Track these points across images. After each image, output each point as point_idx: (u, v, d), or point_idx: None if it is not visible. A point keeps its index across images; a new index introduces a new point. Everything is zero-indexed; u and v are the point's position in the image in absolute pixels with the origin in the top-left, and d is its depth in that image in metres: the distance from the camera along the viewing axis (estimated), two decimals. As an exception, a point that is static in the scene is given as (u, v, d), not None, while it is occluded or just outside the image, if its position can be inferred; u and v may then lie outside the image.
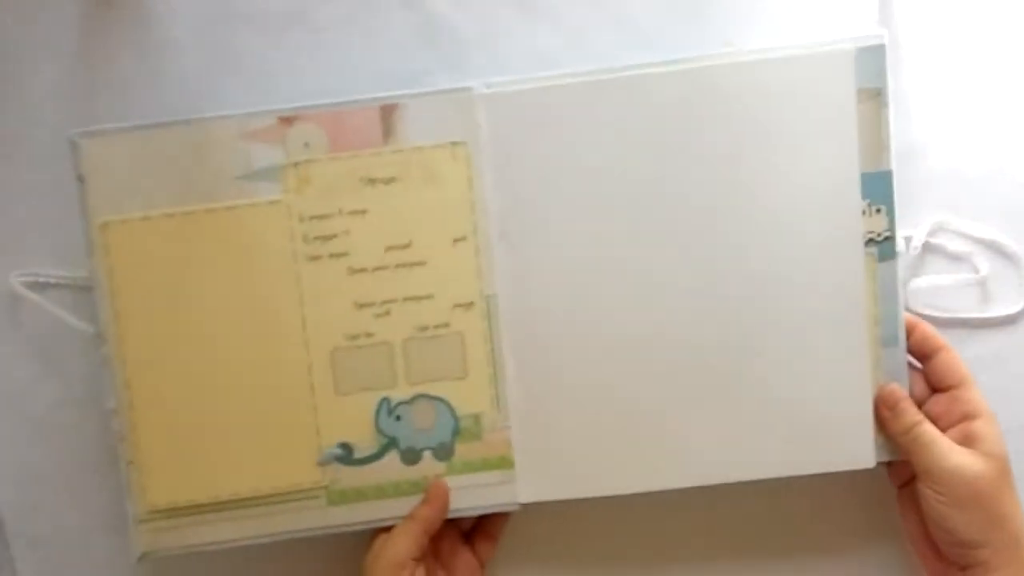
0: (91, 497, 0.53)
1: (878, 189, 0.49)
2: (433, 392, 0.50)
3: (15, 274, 0.52)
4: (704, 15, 0.52)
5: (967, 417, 0.48)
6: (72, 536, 0.54)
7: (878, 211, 0.49)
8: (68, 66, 0.53)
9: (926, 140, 0.52)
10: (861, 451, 0.50)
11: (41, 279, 0.53)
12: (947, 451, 0.47)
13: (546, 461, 0.50)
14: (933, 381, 0.50)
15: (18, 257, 0.53)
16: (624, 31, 0.52)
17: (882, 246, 0.49)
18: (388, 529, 0.50)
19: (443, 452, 0.50)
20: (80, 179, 0.49)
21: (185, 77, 0.53)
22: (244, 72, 0.53)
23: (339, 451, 0.50)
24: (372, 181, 0.49)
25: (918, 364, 0.51)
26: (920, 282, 0.52)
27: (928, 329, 0.50)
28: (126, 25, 0.53)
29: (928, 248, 0.53)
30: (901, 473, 0.51)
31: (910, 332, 0.50)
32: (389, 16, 0.53)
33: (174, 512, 0.50)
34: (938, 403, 0.49)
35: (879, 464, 0.50)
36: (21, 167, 0.53)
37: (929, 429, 0.48)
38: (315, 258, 0.49)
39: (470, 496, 0.50)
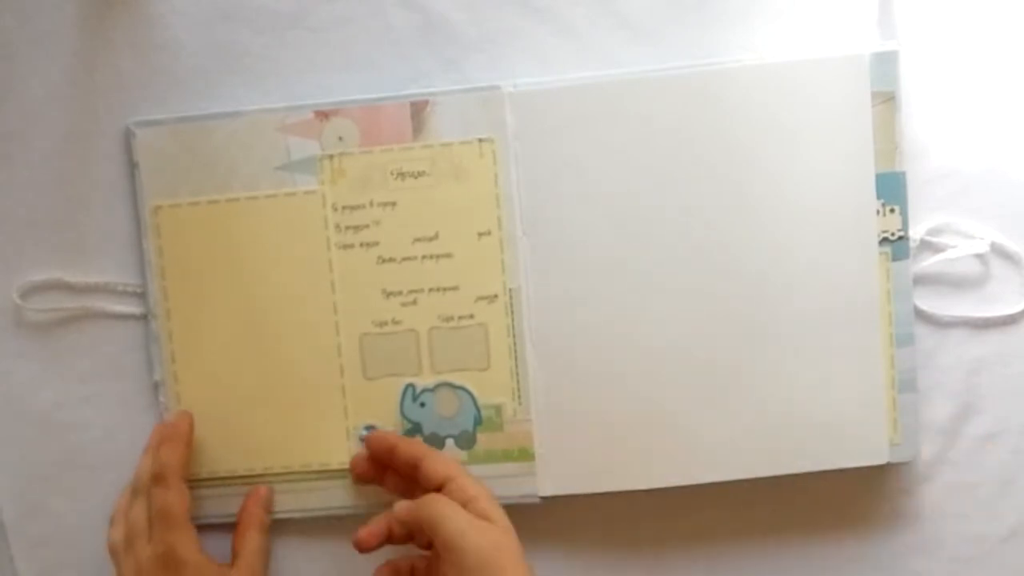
0: (91, 497, 0.57)
1: (892, 189, 0.54)
2: (456, 381, 0.55)
3: (15, 274, 0.57)
4: (702, 16, 0.55)
5: (468, 502, 0.50)
6: (72, 536, 0.57)
7: (892, 211, 0.54)
8: (68, 66, 0.56)
9: (927, 141, 0.55)
10: (874, 447, 0.54)
11: (41, 279, 0.57)
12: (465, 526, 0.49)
13: (566, 455, 0.55)
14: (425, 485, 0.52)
15: (18, 257, 0.57)
16: (625, 32, 0.55)
17: (896, 245, 0.54)
18: None
19: (465, 440, 0.55)
20: (134, 165, 0.56)
21: (185, 77, 0.56)
22: (244, 72, 0.56)
23: (366, 432, 0.55)
24: (402, 175, 0.55)
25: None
26: (921, 282, 0.55)
27: (401, 441, 0.54)
28: (126, 25, 0.56)
29: (929, 247, 0.56)
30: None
31: (391, 451, 0.54)
32: (389, 16, 0.55)
33: (214, 481, 0.56)
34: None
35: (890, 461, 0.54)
36: (21, 167, 0.56)
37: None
38: (347, 246, 0.55)
39: (492, 486, 0.54)
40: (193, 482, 0.56)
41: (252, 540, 0.55)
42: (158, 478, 0.53)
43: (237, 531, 0.55)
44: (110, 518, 0.55)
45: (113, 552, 0.54)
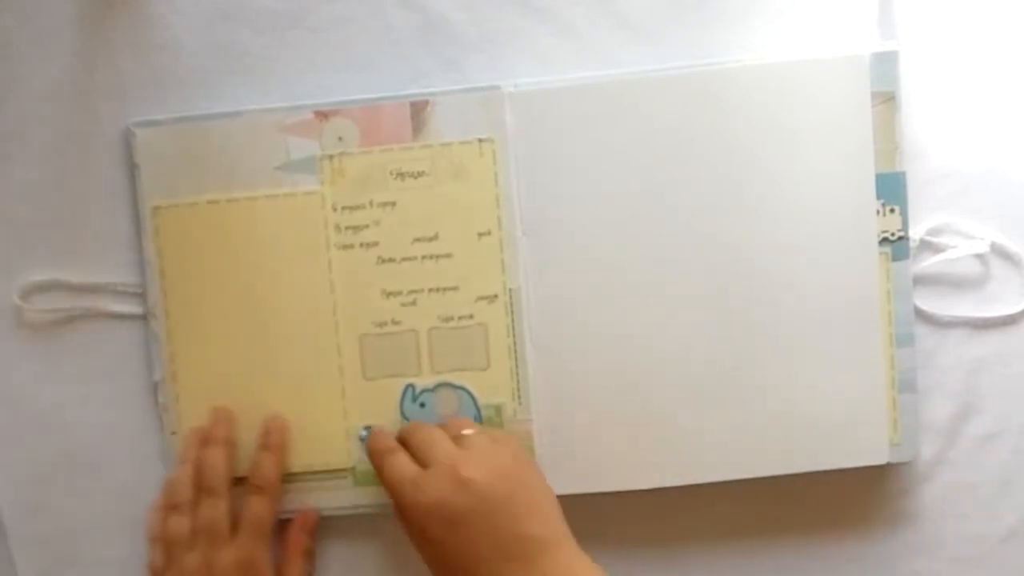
0: (91, 497, 0.57)
1: (892, 189, 0.54)
2: (456, 381, 0.56)
3: (15, 275, 0.57)
4: (702, 16, 0.56)
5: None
6: (72, 536, 0.57)
7: (892, 211, 0.54)
8: (68, 66, 0.56)
9: (927, 141, 0.55)
10: (874, 447, 0.54)
11: (41, 279, 0.57)
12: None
13: (567, 455, 0.55)
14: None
15: (18, 257, 0.57)
16: (625, 32, 0.56)
17: (896, 245, 0.54)
18: None
19: (465, 441, 0.57)
20: (135, 166, 0.56)
21: (185, 77, 0.56)
22: (244, 72, 0.56)
23: (366, 434, 0.56)
24: (402, 175, 0.55)
25: None
26: (921, 282, 0.56)
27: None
28: (126, 25, 0.56)
29: (929, 247, 0.56)
30: None
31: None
32: (389, 16, 0.56)
33: (212, 481, 0.56)
34: None
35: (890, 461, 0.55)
36: (21, 167, 0.57)
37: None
38: (347, 247, 0.55)
39: (493, 486, 0.56)
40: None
41: (297, 567, 0.55)
42: (258, 487, 0.54)
43: (284, 556, 0.55)
44: (148, 540, 0.55)
45: (153, 572, 0.54)
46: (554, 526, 0.50)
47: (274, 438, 0.55)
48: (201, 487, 0.54)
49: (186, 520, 0.53)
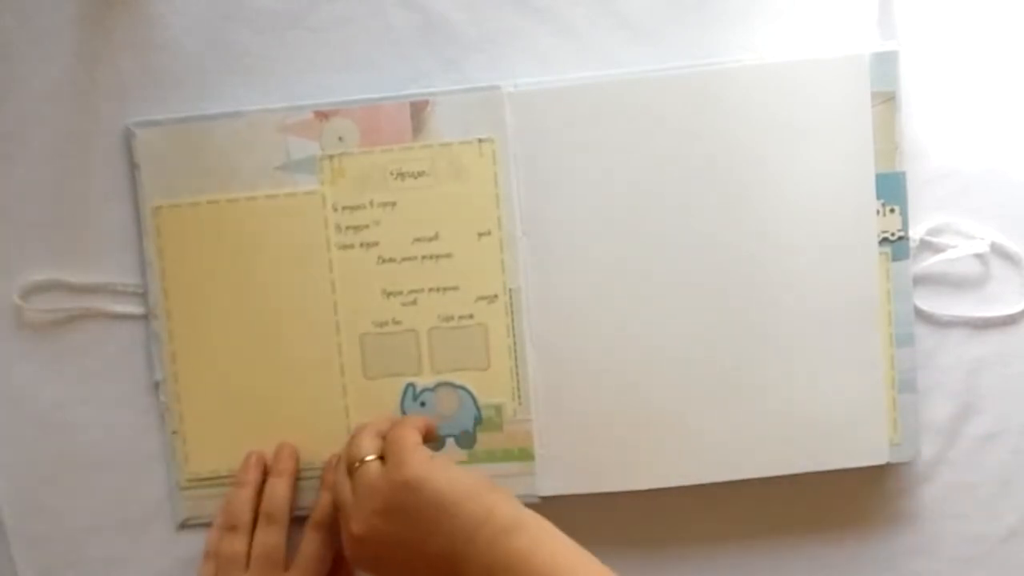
0: (91, 497, 0.58)
1: (892, 189, 0.54)
2: (456, 381, 0.56)
3: (15, 274, 0.57)
4: (702, 16, 0.56)
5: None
6: (72, 536, 0.58)
7: (892, 211, 0.54)
8: (68, 66, 0.56)
9: (927, 141, 0.56)
10: (874, 447, 0.55)
11: (41, 279, 0.57)
12: None
13: (566, 455, 0.55)
14: None
15: (18, 257, 0.57)
16: (625, 32, 0.56)
17: (896, 245, 0.54)
18: None
19: (465, 440, 0.56)
20: (135, 166, 0.56)
21: (185, 77, 0.56)
22: (244, 72, 0.56)
23: None
24: (402, 175, 0.55)
25: None
26: (921, 282, 0.56)
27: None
28: (126, 25, 0.56)
29: (929, 247, 0.56)
30: None
31: None
32: (389, 16, 0.56)
33: (213, 481, 0.56)
34: None
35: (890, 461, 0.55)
36: (21, 167, 0.57)
37: None
38: (347, 247, 0.56)
39: (494, 486, 0.56)
40: (194, 481, 0.57)
41: None
42: (316, 524, 0.55)
43: None
44: (203, 554, 0.56)
45: None
46: (466, 520, 0.47)
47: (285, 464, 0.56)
48: (262, 513, 0.55)
49: (242, 542, 0.54)
